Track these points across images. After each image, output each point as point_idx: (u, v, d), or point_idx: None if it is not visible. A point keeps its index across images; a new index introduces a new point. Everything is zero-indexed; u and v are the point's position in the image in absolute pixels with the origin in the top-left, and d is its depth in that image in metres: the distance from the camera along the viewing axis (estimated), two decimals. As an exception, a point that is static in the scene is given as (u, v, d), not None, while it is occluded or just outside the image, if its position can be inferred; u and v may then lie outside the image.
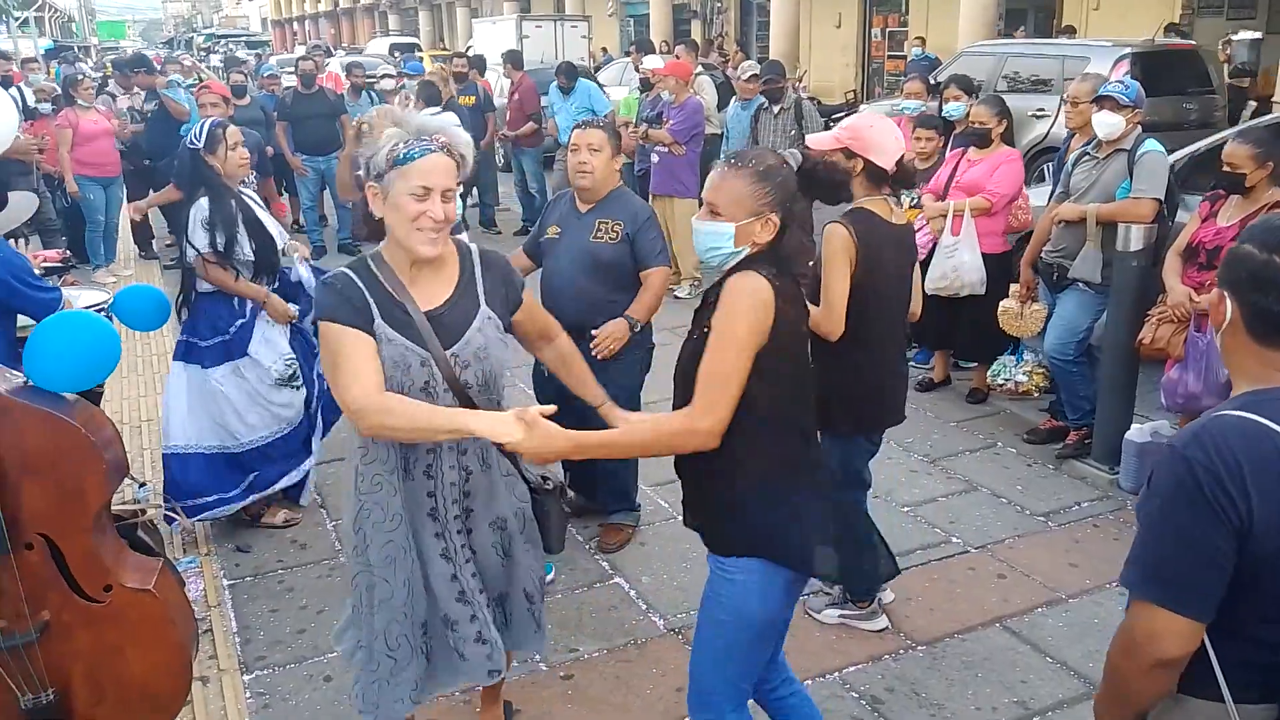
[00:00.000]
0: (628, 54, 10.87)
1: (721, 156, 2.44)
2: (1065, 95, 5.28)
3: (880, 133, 3.16)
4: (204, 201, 3.96)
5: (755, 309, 2.10)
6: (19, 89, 9.26)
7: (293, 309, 4.24)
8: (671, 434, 2.16)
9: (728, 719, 2.33)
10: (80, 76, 9.05)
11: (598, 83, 10.87)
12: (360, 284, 2.26)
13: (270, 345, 4.13)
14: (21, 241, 5.24)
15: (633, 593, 3.83)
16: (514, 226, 10.52)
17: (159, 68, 10.82)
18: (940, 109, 6.11)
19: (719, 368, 2.09)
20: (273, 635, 3.59)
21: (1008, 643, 3.49)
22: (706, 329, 2.15)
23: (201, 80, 12.46)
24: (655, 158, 7.83)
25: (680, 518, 4.13)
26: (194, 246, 3.95)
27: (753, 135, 7.68)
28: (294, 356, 4.20)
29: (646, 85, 8.88)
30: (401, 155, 2.19)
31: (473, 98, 9.82)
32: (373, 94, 9.96)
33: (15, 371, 2.83)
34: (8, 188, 5.49)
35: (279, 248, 4.17)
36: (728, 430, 2.11)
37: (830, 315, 3.10)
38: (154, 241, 9.55)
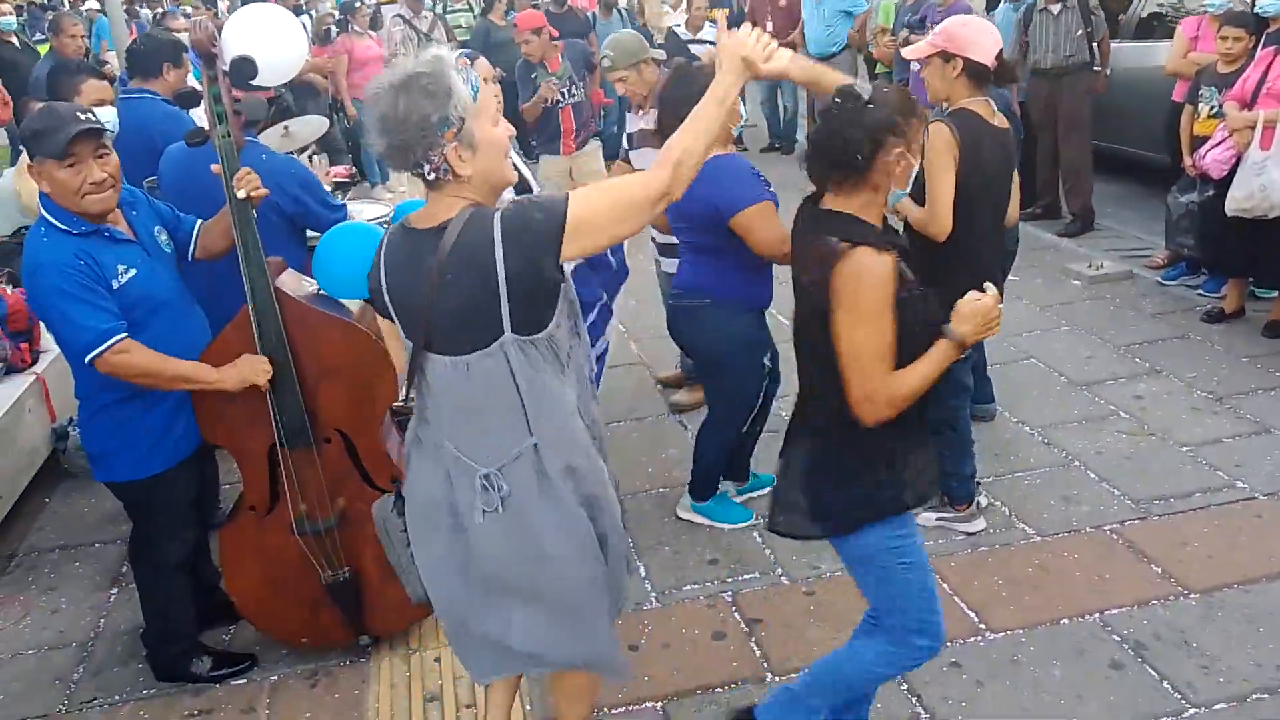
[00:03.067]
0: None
1: None
2: None
3: (975, 29, 3.18)
4: None
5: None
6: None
7: None
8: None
9: None
10: (358, 4, 9.67)
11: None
12: None
13: None
14: (316, 159, 5.73)
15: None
16: (760, 143, 10.08)
17: None
18: (1253, 4, 5.38)
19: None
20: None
21: (1300, 600, 3.18)
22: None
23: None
24: (915, 66, 7.38)
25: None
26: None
27: (1020, 40, 6.96)
28: None
29: (910, -15, 8.36)
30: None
31: (726, 10, 9.65)
32: (622, 12, 9.98)
33: (309, 279, 3.12)
34: (303, 110, 6.01)
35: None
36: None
37: (936, 215, 3.09)
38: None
